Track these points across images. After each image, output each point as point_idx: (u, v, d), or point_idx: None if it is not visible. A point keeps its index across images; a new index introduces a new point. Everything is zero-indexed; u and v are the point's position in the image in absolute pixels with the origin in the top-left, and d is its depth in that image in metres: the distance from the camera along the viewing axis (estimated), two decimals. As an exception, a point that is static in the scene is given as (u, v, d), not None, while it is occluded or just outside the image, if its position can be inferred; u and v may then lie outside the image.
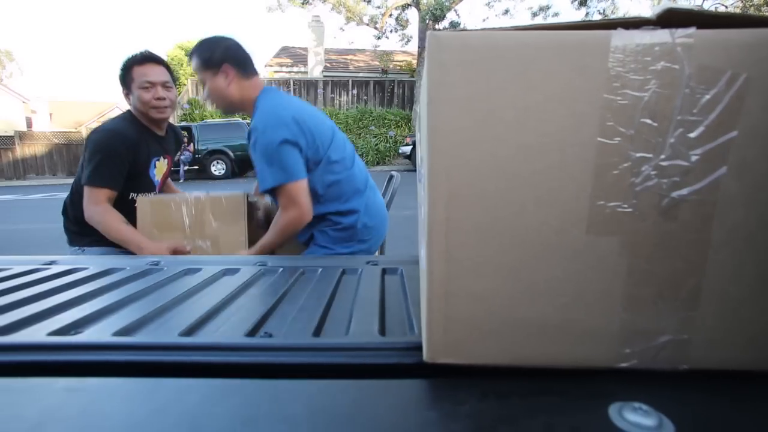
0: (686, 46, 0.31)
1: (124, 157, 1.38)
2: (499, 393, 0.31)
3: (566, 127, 0.31)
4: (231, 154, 10.58)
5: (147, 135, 1.48)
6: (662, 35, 0.31)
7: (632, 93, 0.31)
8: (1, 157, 12.97)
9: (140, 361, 0.37)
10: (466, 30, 0.31)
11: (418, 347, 0.37)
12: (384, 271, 0.69)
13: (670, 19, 0.32)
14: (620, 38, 0.31)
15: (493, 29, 0.31)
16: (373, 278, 0.65)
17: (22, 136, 13.34)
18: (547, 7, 14.13)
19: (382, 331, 0.43)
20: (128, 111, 1.51)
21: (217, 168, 10.74)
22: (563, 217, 0.31)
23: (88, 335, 0.42)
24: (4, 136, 13.14)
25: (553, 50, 0.30)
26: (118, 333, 0.42)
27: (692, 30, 0.31)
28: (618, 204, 0.31)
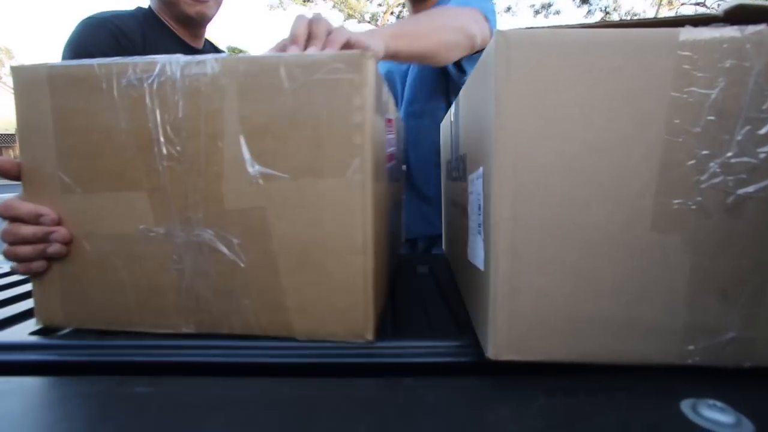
0: (756, 43, 0.30)
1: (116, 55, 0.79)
2: (565, 390, 0.31)
3: (632, 125, 0.31)
4: None
5: (171, 43, 0.91)
6: (731, 32, 0.30)
7: (699, 90, 0.30)
8: (2, 156, 13.45)
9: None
10: (533, 28, 0.31)
11: (471, 345, 0.38)
12: (415, 270, 0.69)
13: (739, 15, 0.31)
14: (689, 35, 0.30)
15: (560, 27, 0.31)
16: (407, 277, 0.66)
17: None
18: (549, 5, 13.58)
19: (432, 330, 0.44)
20: (145, 7, 0.93)
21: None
22: (628, 214, 0.31)
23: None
24: (5, 134, 13.47)
25: (620, 48, 0.30)
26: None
27: (762, 27, 0.30)
28: (683, 201, 0.31)
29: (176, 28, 0.92)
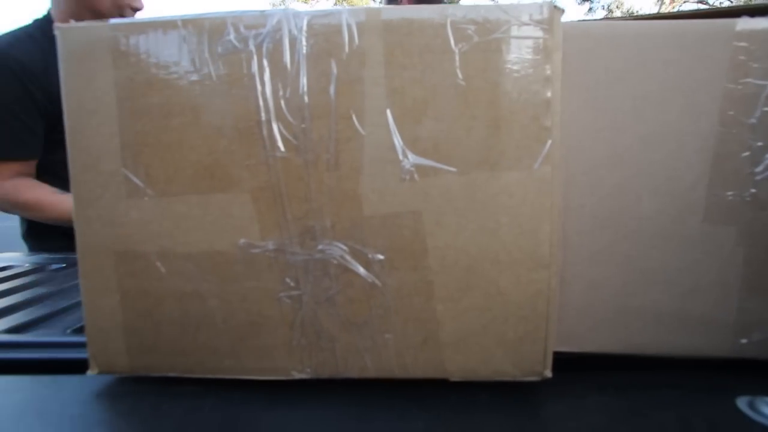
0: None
1: (26, 104, 0.75)
2: (616, 386, 0.31)
3: (685, 117, 0.29)
4: None
5: None
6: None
7: (755, 82, 0.29)
8: None
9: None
10: (585, 20, 0.30)
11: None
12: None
13: None
14: (745, 26, 0.28)
15: (613, 19, 0.26)
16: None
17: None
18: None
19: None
20: (41, 18, 0.82)
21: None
22: (680, 206, 0.30)
23: None
24: None
25: (674, 40, 0.29)
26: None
27: None
28: (736, 193, 0.30)
29: None
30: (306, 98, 0.27)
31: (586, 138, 0.30)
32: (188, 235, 0.29)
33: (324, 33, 0.27)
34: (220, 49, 0.27)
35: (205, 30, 0.27)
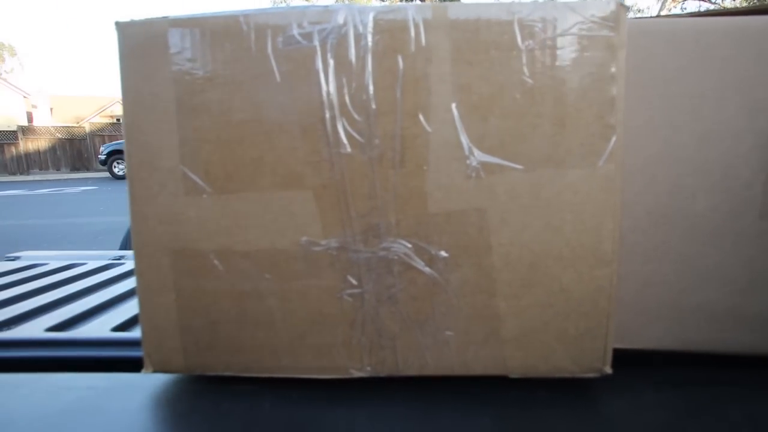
0: None
1: None
2: (672, 382, 0.30)
3: (742, 114, 0.29)
4: None
5: None
6: None
7: None
8: (4, 152, 12.31)
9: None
10: (641, 17, 0.30)
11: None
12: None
13: None
14: None
15: (669, 16, 0.26)
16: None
17: (25, 130, 12.65)
18: None
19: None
20: None
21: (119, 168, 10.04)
22: (735, 203, 0.30)
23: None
24: (7, 131, 12.49)
25: (733, 37, 0.28)
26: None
27: None
28: None
29: None
30: (372, 95, 0.26)
31: (642, 135, 0.30)
32: (248, 233, 0.28)
33: (390, 29, 0.26)
34: (283, 45, 0.26)
35: (268, 25, 0.26)
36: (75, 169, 12.53)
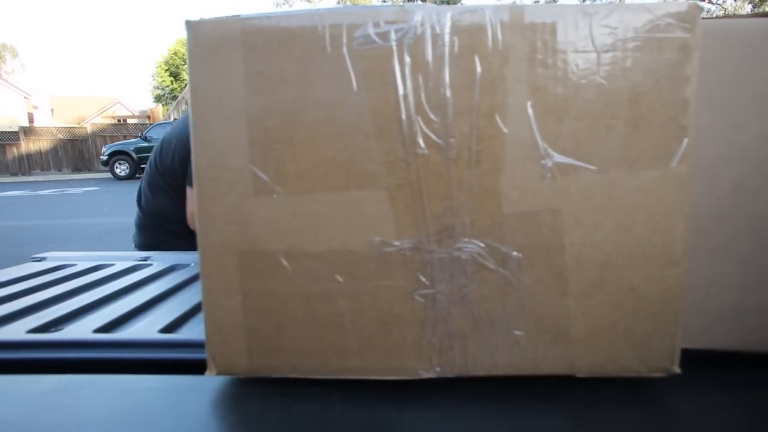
0: None
1: None
2: (737, 382, 0.29)
3: None
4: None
5: None
6: None
7: None
8: (6, 153, 12.13)
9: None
10: (705, 18, 0.27)
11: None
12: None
13: None
14: None
15: (731, 16, 0.26)
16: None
17: (26, 131, 12.49)
18: (555, 0, 13.33)
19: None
20: None
21: (121, 168, 10.25)
22: None
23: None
24: (8, 132, 12.32)
25: None
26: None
27: None
28: None
29: None
30: (448, 95, 0.25)
31: (705, 136, 0.29)
32: (319, 234, 0.27)
33: (467, 30, 0.25)
34: (358, 44, 0.25)
35: (342, 25, 0.25)
36: (77, 169, 12.38)
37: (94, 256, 0.69)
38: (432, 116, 0.26)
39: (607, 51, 0.25)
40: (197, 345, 0.34)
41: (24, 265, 0.62)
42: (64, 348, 0.35)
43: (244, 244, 0.27)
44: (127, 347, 0.36)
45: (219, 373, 0.29)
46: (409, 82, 0.26)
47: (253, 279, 0.28)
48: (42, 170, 12.45)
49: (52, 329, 0.38)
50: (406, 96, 0.26)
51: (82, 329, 0.38)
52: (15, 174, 12.17)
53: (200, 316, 0.40)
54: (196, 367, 0.29)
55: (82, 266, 0.61)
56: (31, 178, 11.59)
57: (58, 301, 0.45)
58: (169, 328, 0.39)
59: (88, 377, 0.31)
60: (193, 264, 0.63)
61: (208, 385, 0.30)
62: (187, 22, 0.26)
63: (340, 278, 0.27)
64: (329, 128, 0.26)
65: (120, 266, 0.62)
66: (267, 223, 0.27)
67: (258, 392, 0.29)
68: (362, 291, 0.27)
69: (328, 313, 0.28)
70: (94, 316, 0.41)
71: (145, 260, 0.67)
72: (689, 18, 0.25)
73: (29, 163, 12.38)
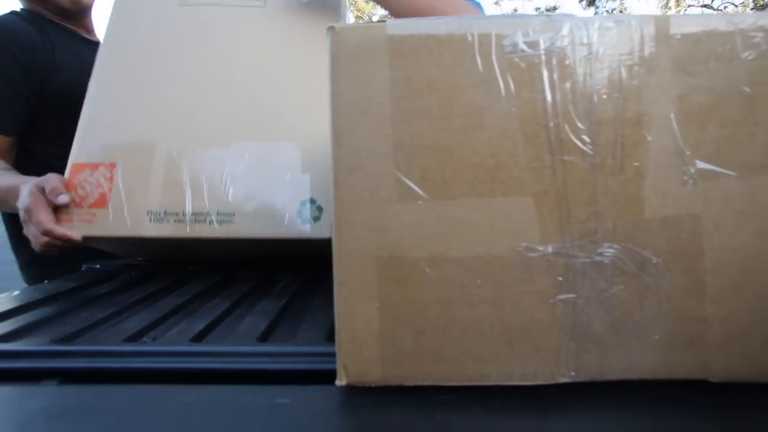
0: None
1: (16, 73, 0.68)
2: None
3: None
4: None
5: (65, 38, 0.75)
6: None
7: None
8: None
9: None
10: None
11: None
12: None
13: None
14: None
15: None
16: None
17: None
18: (555, 8, 12.44)
19: None
20: (18, 10, 0.76)
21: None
22: None
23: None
24: None
25: None
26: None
27: None
28: None
29: (63, 21, 0.77)
30: (595, 103, 0.25)
31: None
32: (463, 240, 0.26)
33: (613, 40, 0.25)
34: (507, 53, 0.25)
35: (492, 33, 0.25)
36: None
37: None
38: (578, 124, 0.25)
39: (752, 59, 0.25)
40: (294, 354, 0.33)
41: (79, 273, 0.59)
42: (161, 357, 0.33)
43: (385, 251, 0.26)
44: (227, 356, 0.34)
45: (349, 383, 0.27)
46: (557, 90, 0.25)
47: (392, 286, 0.27)
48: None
49: (145, 339, 0.36)
50: (554, 103, 0.25)
51: (178, 339, 0.36)
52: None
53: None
54: (297, 378, 0.28)
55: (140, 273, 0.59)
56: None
57: (137, 310, 0.43)
58: (264, 337, 0.37)
59: (196, 388, 0.29)
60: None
61: (331, 392, 0.28)
62: (331, 28, 0.26)
63: (482, 284, 0.26)
64: (477, 134, 0.25)
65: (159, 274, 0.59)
66: (410, 229, 0.26)
67: (388, 401, 0.28)
68: (504, 296, 0.26)
69: (467, 319, 0.27)
70: (180, 327, 0.39)
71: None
72: (822, 31, 0.25)
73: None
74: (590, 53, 0.25)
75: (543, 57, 0.25)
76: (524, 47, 0.25)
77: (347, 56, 0.26)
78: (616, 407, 0.27)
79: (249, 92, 0.57)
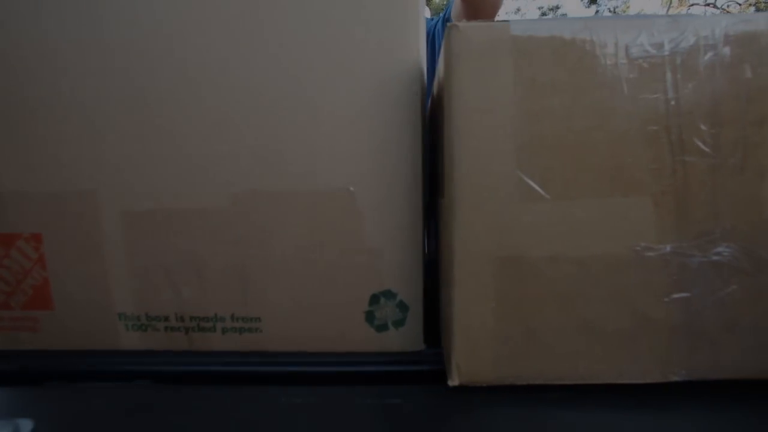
0: None
1: None
2: None
3: None
4: None
5: None
6: None
7: None
8: None
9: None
10: None
11: None
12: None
13: None
14: None
15: None
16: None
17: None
18: (557, 7, 11.67)
19: None
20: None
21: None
22: None
23: None
24: None
25: None
26: None
27: None
28: None
29: None
30: (717, 104, 0.25)
31: None
32: (582, 240, 0.26)
33: (739, 39, 0.25)
34: (632, 54, 0.24)
35: (615, 34, 0.24)
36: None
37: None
38: (701, 125, 0.25)
39: None
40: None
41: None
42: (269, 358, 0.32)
43: (504, 251, 0.26)
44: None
45: (462, 383, 0.27)
46: (680, 91, 0.25)
47: (510, 285, 0.26)
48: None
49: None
50: (676, 104, 0.25)
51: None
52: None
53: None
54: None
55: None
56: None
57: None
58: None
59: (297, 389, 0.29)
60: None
61: (435, 395, 0.28)
62: (454, 26, 0.25)
63: (599, 283, 0.26)
64: (599, 135, 0.25)
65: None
66: (531, 229, 0.25)
67: (497, 401, 0.27)
68: (620, 295, 0.26)
69: (582, 319, 0.26)
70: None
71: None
72: None
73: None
74: (715, 53, 0.25)
75: (667, 58, 0.25)
76: (649, 48, 0.25)
77: (470, 55, 0.25)
78: (728, 407, 0.26)
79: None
